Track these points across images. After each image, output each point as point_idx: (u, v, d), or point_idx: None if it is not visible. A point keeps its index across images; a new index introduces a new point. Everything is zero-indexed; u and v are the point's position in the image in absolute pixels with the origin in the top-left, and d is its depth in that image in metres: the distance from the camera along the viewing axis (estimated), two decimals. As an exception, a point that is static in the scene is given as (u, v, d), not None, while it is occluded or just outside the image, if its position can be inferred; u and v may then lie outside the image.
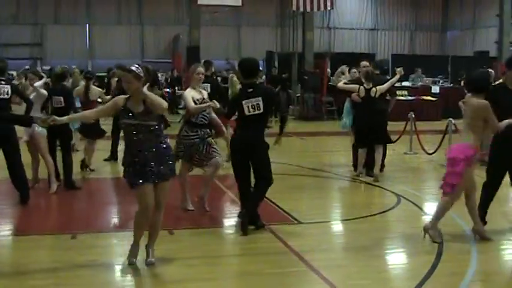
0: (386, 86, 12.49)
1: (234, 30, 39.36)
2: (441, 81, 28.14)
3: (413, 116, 15.90)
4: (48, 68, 31.71)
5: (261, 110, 8.23)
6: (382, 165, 12.92)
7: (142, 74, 6.51)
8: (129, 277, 6.79)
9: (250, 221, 8.37)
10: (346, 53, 33.30)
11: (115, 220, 9.60)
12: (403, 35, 42.18)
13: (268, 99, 8.34)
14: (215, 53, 36.15)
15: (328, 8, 26.36)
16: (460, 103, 8.45)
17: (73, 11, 38.01)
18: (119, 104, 6.68)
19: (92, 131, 13.15)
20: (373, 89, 12.17)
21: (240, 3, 26.11)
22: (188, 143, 9.09)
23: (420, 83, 27.00)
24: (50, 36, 37.83)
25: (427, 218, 9.27)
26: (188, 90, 9.26)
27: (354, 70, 14.81)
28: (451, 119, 14.47)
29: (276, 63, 29.08)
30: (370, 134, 12.24)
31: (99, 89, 14.15)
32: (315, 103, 25.84)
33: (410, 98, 25.11)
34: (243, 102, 8.22)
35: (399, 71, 12.88)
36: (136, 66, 6.58)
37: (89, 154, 13.46)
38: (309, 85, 25.75)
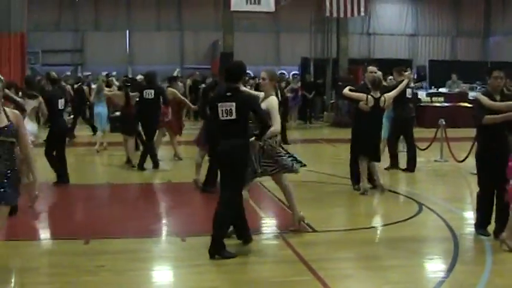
0: (393, 93, 12.02)
1: (273, 37, 39.31)
2: (479, 87, 27.65)
3: (443, 122, 15.66)
4: (88, 73, 32.19)
5: (233, 116, 7.69)
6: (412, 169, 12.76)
7: None
8: (136, 283, 6.79)
9: (238, 235, 8.13)
10: (385, 59, 33.03)
11: (128, 226, 9.57)
12: (444, 40, 41.62)
13: (243, 106, 7.73)
14: (253, 59, 36.22)
15: (362, 14, 26.14)
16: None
17: (113, 18, 38.33)
18: None
19: (128, 128, 14.61)
20: (382, 98, 11.54)
21: (273, 9, 26.04)
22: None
23: (457, 89, 26.62)
24: (91, 42, 38.22)
25: (445, 228, 9.17)
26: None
27: (390, 77, 14.63)
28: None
29: (311, 69, 28.97)
30: (370, 147, 11.62)
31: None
32: (349, 109, 25.62)
33: (446, 104, 24.80)
34: (218, 104, 7.78)
35: (407, 75, 12.46)
36: None
37: (129, 150, 14.80)
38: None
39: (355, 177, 11.97)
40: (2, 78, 6.24)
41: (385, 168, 13.74)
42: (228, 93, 7.78)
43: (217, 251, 7.58)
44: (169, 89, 15.54)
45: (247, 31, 35.20)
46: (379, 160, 11.94)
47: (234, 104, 7.66)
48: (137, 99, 14.72)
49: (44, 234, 9.19)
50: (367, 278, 7.06)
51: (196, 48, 39.39)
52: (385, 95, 11.65)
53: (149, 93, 14.49)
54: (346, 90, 12.04)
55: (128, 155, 14.97)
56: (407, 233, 9.12)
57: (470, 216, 10.42)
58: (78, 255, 7.75)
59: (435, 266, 7.64)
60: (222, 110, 7.70)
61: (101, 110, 18.04)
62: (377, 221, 9.65)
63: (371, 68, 12.24)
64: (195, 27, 38.55)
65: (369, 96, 11.45)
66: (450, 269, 7.28)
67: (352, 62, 28.59)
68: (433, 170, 14.82)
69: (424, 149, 15.85)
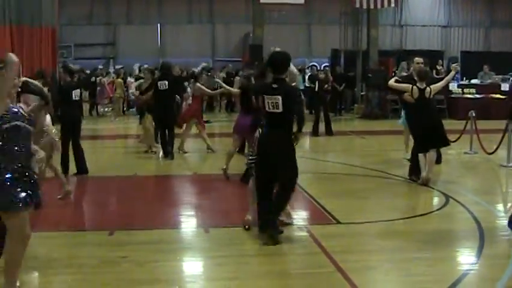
0: (440, 84, 11.87)
1: (303, 28, 39.20)
2: (511, 78, 27.26)
3: (473, 114, 15.46)
4: (120, 67, 32.41)
5: (280, 110, 7.80)
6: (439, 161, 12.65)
7: None
8: (156, 274, 6.81)
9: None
10: (417, 50, 32.72)
11: (153, 217, 9.58)
12: (477, 31, 41.12)
13: (288, 99, 7.82)
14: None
15: (392, 5, 25.94)
16: None
17: (145, 11, 38.52)
18: None
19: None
20: (427, 89, 11.39)
21: (302, 1, 25.99)
22: None
23: (489, 81, 26.27)
24: (123, 36, 38.49)
25: (471, 220, 9.07)
26: None
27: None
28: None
29: (342, 61, 28.82)
30: (430, 138, 11.43)
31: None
32: (379, 101, 25.48)
33: (478, 96, 24.51)
34: (265, 97, 7.90)
35: (454, 67, 12.33)
36: None
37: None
38: (373, 83, 25.38)
39: (414, 169, 11.92)
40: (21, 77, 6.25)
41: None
42: (274, 85, 7.89)
43: (270, 225, 7.86)
44: (197, 84, 15.59)
45: (278, 23, 35.08)
46: (447, 144, 11.95)
47: (279, 97, 7.77)
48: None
49: (69, 225, 9.24)
50: (389, 270, 6.99)
51: (227, 41, 39.44)
52: (432, 86, 11.49)
53: (163, 85, 14.81)
54: (391, 82, 12.04)
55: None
56: (433, 226, 9.03)
57: (497, 208, 10.34)
58: (102, 246, 7.81)
59: (459, 259, 7.56)
60: (269, 103, 7.83)
61: None
62: (402, 214, 9.55)
63: (417, 59, 12.25)
64: (226, 20, 38.59)
65: (414, 87, 11.35)
66: (474, 262, 7.21)
67: (383, 54, 28.38)
68: (462, 162, 14.68)
69: (454, 141, 15.66)
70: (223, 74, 30.22)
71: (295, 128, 7.95)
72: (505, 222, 9.11)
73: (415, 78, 11.58)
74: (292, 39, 37.94)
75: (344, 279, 6.56)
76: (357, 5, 25.42)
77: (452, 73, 12.31)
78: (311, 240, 8.06)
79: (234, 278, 6.67)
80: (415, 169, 11.90)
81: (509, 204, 10.81)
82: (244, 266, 7.08)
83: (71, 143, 12.38)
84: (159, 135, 15.41)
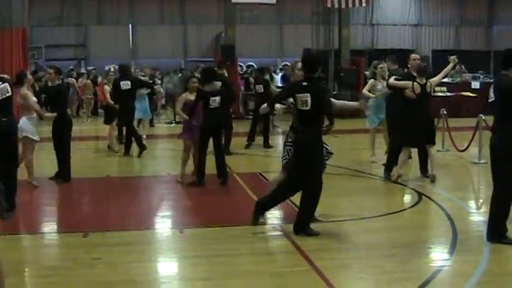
0: (438, 77, 12.06)
1: (275, 28, 39.23)
2: (481, 76, 27.52)
3: (445, 112, 15.59)
4: (92, 68, 32.22)
5: (308, 107, 8.03)
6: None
7: None
8: (131, 275, 6.77)
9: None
10: (389, 49, 32.89)
11: (127, 218, 9.56)
12: (447, 30, 41.43)
13: (317, 97, 8.07)
14: (256, 51, 36.19)
15: (364, 5, 26.02)
16: None
17: (116, 12, 38.28)
18: None
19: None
20: (428, 83, 11.59)
21: (274, 1, 26.04)
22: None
23: (459, 79, 26.51)
24: (94, 37, 38.18)
25: (444, 217, 9.16)
26: None
27: (381, 65, 14.60)
28: (481, 115, 14.15)
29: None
30: (423, 134, 11.56)
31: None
32: (351, 100, 25.53)
33: (448, 94, 24.71)
34: (297, 95, 8.14)
35: (453, 59, 12.28)
36: None
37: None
38: (346, 82, 25.48)
39: (390, 166, 12.14)
40: None
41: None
42: (304, 83, 8.14)
43: (302, 228, 8.12)
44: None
45: (250, 23, 35.12)
46: (433, 141, 11.92)
47: (309, 95, 8.02)
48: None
49: (44, 228, 9.18)
50: (364, 268, 7.03)
51: (199, 41, 39.32)
52: (430, 80, 11.70)
53: (126, 85, 15.33)
54: (391, 80, 12.17)
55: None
56: (406, 223, 9.12)
57: (469, 205, 10.44)
58: (76, 248, 7.78)
59: (433, 255, 7.62)
60: (302, 101, 8.08)
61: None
62: (376, 211, 9.60)
63: (414, 56, 12.56)
64: (197, 20, 38.49)
65: (415, 83, 11.50)
66: (448, 258, 7.28)
67: (354, 53, 28.50)
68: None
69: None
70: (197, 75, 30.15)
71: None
72: (476, 218, 9.26)
73: (414, 74, 11.78)
74: (264, 39, 38.01)
75: (319, 277, 6.58)
76: (329, 5, 25.48)
77: (451, 65, 12.36)
78: (286, 239, 8.07)
79: (209, 278, 6.68)
80: (391, 165, 12.07)
81: (481, 201, 10.92)
82: (219, 266, 7.07)
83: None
84: (122, 133, 16.04)
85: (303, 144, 8.20)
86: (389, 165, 12.17)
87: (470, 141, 14.02)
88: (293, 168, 8.46)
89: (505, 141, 7.53)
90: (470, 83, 26.01)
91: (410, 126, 11.54)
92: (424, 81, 11.57)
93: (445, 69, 12.34)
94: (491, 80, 27.57)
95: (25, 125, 10.90)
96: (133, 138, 15.47)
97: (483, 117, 13.89)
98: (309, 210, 8.35)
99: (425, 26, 41.12)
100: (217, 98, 11.50)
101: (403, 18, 40.80)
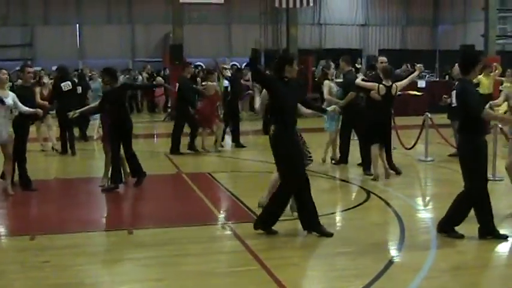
0: (405, 82, 12.36)
1: (224, 28, 39.26)
2: (427, 75, 27.97)
3: (392, 111, 15.72)
4: (39, 68, 31.72)
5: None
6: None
7: None
8: (80, 278, 6.70)
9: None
10: (336, 49, 33.22)
11: (75, 220, 9.43)
12: (394, 30, 42.05)
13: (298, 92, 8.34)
14: (205, 51, 36.10)
15: (311, 4, 26.26)
16: None
17: (63, 12, 37.86)
18: None
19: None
20: (393, 86, 11.89)
21: (221, 1, 26.08)
22: None
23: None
24: (40, 37, 37.72)
25: (392, 214, 9.28)
26: None
27: (333, 67, 14.72)
28: (427, 113, 14.38)
29: (262, 60, 28.94)
30: (382, 132, 12.04)
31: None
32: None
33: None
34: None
35: (419, 67, 12.67)
36: None
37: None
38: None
39: (367, 164, 12.46)
40: None
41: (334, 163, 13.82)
42: (286, 80, 8.08)
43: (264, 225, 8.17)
44: (209, 83, 16.06)
45: (198, 23, 35.07)
46: (389, 141, 12.46)
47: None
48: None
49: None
50: (314, 266, 7.12)
51: (147, 41, 39.19)
52: (397, 83, 11.98)
53: (67, 85, 15.76)
54: (358, 81, 12.43)
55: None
56: (354, 221, 9.21)
57: (416, 202, 10.59)
58: (24, 251, 7.66)
59: (382, 252, 7.68)
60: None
61: None
62: (324, 209, 9.63)
63: (382, 59, 12.89)
64: (145, 20, 38.35)
65: (381, 86, 11.77)
66: (396, 255, 7.39)
67: (303, 53, 28.67)
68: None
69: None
70: (146, 75, 30.11)
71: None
72: (424, 215, 9.43)
73: (381, 76, 12.01)
74: (213, 39, 38.02)
75: (269, 276, 6.60)
76: (277, 4, 25.62)
77: (417, 72, 12.78)
78: (235, 238, 8.10)
79: (160, 279, 6.65)
80: (367, 164, 12.42)
81: (427, 198, 11.11)
82: (170, 267, 7.05)
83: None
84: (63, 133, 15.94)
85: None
86: (364, 163, 12.61)
87: (417, 139, 14.23)
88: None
89: (470, 143, 7.75)
90: (417, 82, 26.32)
91: (372, 125, 11.98)
92: (390, 83, 11.81)
93: (411, 76, 12.79)
94: (437, 79, 28.10)
95: None
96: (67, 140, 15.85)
97: (429, 116, 14.12)
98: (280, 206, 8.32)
99: (372, 26, 41.67)
100: None
101: (351, 18, 41.27)
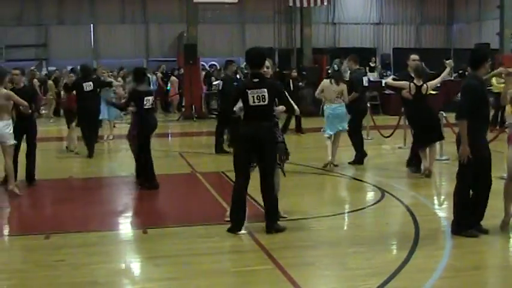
0: (436, 81, 12.16)
1: (238, 27, 39.22)
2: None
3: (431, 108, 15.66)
4: (53, 68, 31.87)
5: (266, 102, 8.12)
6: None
7: None
8: (94, 276, 6.71)
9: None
10: (350, 48, 33.09)
11: (90, 220, 9.46)
12: (408, 28, 41.83)
13: (274, 92, 8.19)
14: (219, 51, 36.12)
15: (325, 3, 26.22)
16: None
17: (77, 11, 37.92)
18: None
19: None
20: (424, 85, 11.65)
21: (236, 0, 26.05)
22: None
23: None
24: (55, 36, 37.80)
25: (406, 213, 9.24)
26: None
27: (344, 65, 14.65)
28: (442, 112, 14.28)
29: (276, 60, 28.93)
30: (428, 132, 11.81)
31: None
32: (314, 99, 25.61)
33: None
34: (249, 92, 8.11)
35: (448, 63, 12.33)
36: None
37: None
38: (308, 81, 25.55)
39: (412, 161, 12.38)
40: None
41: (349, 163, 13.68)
42: (255, 80, 8.18)
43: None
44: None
45: (212, 22, 35.05)
46: (441, 138, 12.37)
47: (265, 90, 8.11)
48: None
49: (5, 230, 9.08)
50: (327, 265, 7.08)
51: (161, 41, 39.20)
52: (428, 82, 11.75)
53: (89, 86, 15.35)
54: (389, 80, 12.43)
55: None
56: (369, 220, 9.20)
57: (432, 201, 10.54)
58: (38, 250, 7.69)
59: (395, 252, 7.69)
60: (254, 97, 8.10)
61: None
62: (339, 209, 9.67)
63: (413, 56, 12.36)
64: (159, 20, 38.35)
65: (411, 84, 11.60)
66: (410, 254, 7.31)
67: (316, 52, 28.62)
68: (396, 157, 14.87)
69: (387, 137, 15.98)
70: (160, 75, 30.23)
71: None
72: (439, 214, 9.37)
73: (412, 75, 11.81)
74: (227, 39, 38.02)
75: (283, 275, 6.59)
76: (291, 4, 25.58)
77: (448, 70, 12.43)
78: (249, 237, 8.08)
79: (173, 278, 6.65)
80: (412, 161, 12.32)
81: (442, 197, 11.04)
82: (184, 266, 7.05)
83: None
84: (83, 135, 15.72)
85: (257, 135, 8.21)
86: (410, 160, 12.47)
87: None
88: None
89: (474, 140, 7.68)
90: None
91: (415, 127, 11.99)
92: (421, 82, 11.64)
93: (442, 74, 12.38)
94: (452, 78, 27.91)
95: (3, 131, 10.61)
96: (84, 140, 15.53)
97: (444, 114, 14.04)
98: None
99: (387, 25, 41.47)
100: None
101: (365, 17, 41.10)
